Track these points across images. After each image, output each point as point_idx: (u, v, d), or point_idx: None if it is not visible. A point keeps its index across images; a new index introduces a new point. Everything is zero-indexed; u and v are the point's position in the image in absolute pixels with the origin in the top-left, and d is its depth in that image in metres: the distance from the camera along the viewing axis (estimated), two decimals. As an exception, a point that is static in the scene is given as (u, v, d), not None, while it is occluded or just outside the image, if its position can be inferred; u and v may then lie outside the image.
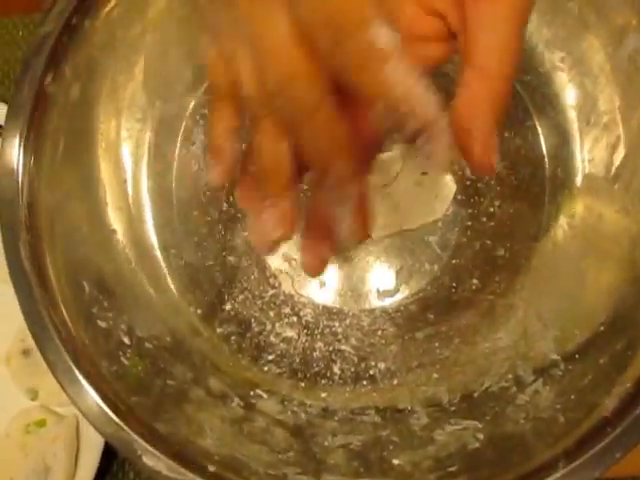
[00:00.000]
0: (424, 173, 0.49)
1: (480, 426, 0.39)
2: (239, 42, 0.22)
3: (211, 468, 0.35)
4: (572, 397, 0.38)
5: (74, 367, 0.36)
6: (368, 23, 0.19)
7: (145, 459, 0.34)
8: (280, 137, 0.24)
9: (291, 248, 0.49)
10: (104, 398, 0.36)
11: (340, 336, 0.47)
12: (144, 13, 0.46)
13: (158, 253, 0.48)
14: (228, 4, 0.22)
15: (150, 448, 0.34)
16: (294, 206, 0.26)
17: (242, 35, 0.22)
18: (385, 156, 0.49)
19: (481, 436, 0.39)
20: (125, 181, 0.47)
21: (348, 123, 0.22)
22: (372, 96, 0.21)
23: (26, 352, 0.51)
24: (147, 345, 0.42)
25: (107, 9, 0.43)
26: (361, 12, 0.19)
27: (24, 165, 0.39)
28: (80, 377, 0.36)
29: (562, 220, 0.47)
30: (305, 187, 0.37)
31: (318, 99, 0.21)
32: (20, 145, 0.40)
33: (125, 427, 0.35)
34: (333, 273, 0.49)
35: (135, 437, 0.34)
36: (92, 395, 0.36)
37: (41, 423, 0.49)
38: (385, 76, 0.20)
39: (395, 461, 0.39)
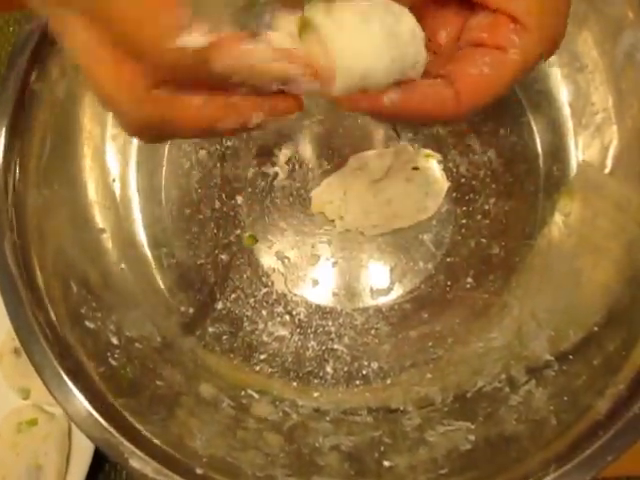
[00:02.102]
0: (415, 168, 0.48)
1: (472, 427, 0.39)
2: None
3: (199, 470, 0.35)
4: (565, 398, 0.37)
5: (61, 369, 0.36)
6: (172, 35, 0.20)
7: (132, 462, 0.34)
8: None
9: (284, 247, 0.49)
10: (91, 400, 0.35)
11: (333, 335, 0.47)
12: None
13: (148, 252, 0.47)
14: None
15: (137, 451, 0.34)
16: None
17: None
18: (376, 151, 0.49)
19: (473, 437, 0.38)
20: (113, 180, 0.47)
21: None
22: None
23: (17, 351, 0.50)
24: (136, 346, 0.41)
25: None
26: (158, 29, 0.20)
27: (9, 164, 0.39)
28: (67, 379, 0.36)
29: (557, 218, 0.46)
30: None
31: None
32: (5, 143, 0.39)
33: (112, 430, 0.34)
34: (326, 272, 0.48)
35: (122, 440, 0.34)
36: (79, 397, 0.35)
37: (33, 422, 0.48)
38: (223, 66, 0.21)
39: (387, 463, 0.39)
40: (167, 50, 0.20)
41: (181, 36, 0.20)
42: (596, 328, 0.39)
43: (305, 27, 0.25)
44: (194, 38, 0.20)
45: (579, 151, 0.46)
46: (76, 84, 0.43)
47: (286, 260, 0.49)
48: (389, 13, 0.25)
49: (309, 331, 0.47)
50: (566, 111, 0.47)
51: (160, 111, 0.23)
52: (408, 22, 0.26)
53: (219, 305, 0.47)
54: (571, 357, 0.39)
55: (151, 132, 0.25)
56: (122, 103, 0.23)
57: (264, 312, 0.48)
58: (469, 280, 0.47)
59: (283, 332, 0.47)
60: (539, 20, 0.26)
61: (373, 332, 0.47)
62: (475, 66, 0.26)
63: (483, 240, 0.48)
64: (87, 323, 0.39)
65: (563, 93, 0.47)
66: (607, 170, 0.43)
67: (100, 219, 0.45)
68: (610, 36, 0.42)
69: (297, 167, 0.50)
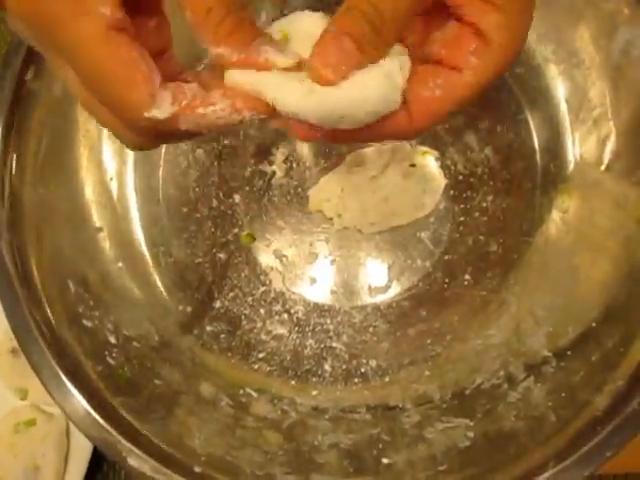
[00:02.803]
0: (412, 165, 0.48)
1: (471, 424, 0.39)
2: None
3: (197, 469, 0.35)
4: (563, 395, 0.37)
5: (58, 368, 0.36)
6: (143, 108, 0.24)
7: (130, 460, 0.34)
8: None
9: (282, 245, 0.49)
10: (89, 399, 0.35)
11: (331, 333, 0.47)
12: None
13: (145, 251, 0.47)
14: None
15: (135, 449, 0.34)
16: None
17: None
18: (373, 148, 0.49)
19: (472, 434, 0.38)
20: (110, 179, 0.46)
21: None
22: None
23: (15, 351, 0.50)
24: (134, 344, 0.41)
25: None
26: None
27: (6, 163, 0.39)
28: (65, 378, 0.35)
29: (555, 215, 0.46)
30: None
31: None
32: (2, 143, 0.39)
33: (110, 428, 0.34)
34: (324, 270, 0.48)
35: (120, 438, 0.34)
36: (77, 397, 0.35)
37: (31, 422, 0.48)
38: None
39: (385, 460, 0.39)
40: (140, 119, 0.24)
41: (148, 110, 0.23)
42: (594, 324, 0.39)
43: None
44: (160, 111, 0.24)
45: (576, 148, 0.46)
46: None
47: (284, 258, 0.49)
48: (389, 65, 0.26)
49: (307, 329, 0.47)
50: (563, 108, 0.47)
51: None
52: (401, 65, 0.27)
53: (217, 304, 0.47)
54: (569, 353, 0.39)
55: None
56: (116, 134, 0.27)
57: (262, 310, 0.48)
58: (467, 277, 0.47)
59: (281, 330, 0.47)
60: (507, 36, 0.26)
61: (371, 330, 0.47)
62: (428, 88, 0.27)
63: (481, 237, 0.48)
64: (85, 322, 0.39)
65: (560, 90, 0.47)
66: (604, 166, 0.43)
67: (97, 218, 0.45)
68: (606, 32, 0.42)
69: (294, 165, 0.50)
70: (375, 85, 0.26)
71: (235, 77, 0.27)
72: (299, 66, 0.26)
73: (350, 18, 0.26)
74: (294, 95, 0.26)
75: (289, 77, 0.26)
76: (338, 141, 0.29)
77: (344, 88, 0.26)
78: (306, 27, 0.27)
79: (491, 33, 0.26)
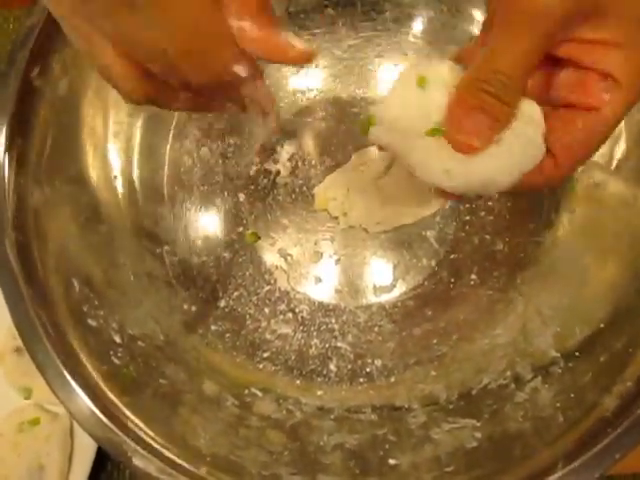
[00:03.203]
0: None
1: (478, 425, 0.39)
2: None
3: (202, 469, 0.35)
4: (572, 396, 0.37)
5: (63, 368, 0.35)
6: None
7: (135, 460, 0.34)
8: None
9: (287, 244, 0.49)
10: (94, 399, 0.35)
11: (336, 333, 0.47)
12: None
13: (151, 250, 0.47)
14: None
15: (140, 449, 0.34)
16: None
17: None
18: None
19: (479, 435, 0.38)
20: (115, 177, 0.46)
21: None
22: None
23: (19, 350, 0.50)
24: (139, 344, 0.41)
25: None
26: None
27: (11, 161, 0.39)
28: (69, 378, 0.35)
29: (562, 215, 0.46)
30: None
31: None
32: (6, 140, 0.39)
33: (115, 428, 0.34)
34: (329, 269, 0.48)
35: (125, 438, 0.34)
36: (82, 396, 0.35)
37: (35, 422, 0.48)
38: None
39: (392, 461, 0.38)
40: (222, 71, 0.28)
41: (236, 65, 0.28)
42: (602, 325, 0.39)
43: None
44: (242, 70, 0.28)
45: (585, 146, 0.46)
46: (78, 80, 0.42)
47: (289, 257, 0.49)
48: (523, 122, 0.28)
49: (312, 329, 0.47)
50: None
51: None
52: (537, 122, 0.28)
53: (222, 303, 0.47)
54: (577, 354, 0.39)
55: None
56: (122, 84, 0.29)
57: (267, 310, 0.47)
58: (473, 277, 0.47)
59: (286, 330, 0.47)
60: (630, 70, 0.27)
61: (376, 329, 0.47)
62: (569, 133, 0.28)
63: (487, 236, 0.47)
64: (90, 321, 0.39)
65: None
66: (613, 166, 0.43)
67: (102, 216, 0.44)
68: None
69: (299, 164, 0.50)
70: (518, 147, 0.28)
71: (380, 134, 0.29)
72: None
73: (474, 90, 0.27)
74: (436, 168, 0.28)
75: (432, 147, 0.28)
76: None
77: (486, 159, 0.28)
78: (443, 75, 0.29)
79: (616, 72, 0.27)
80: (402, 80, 0.30)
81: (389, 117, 0.30)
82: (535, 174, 0.29)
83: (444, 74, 0.29)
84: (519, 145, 0.28)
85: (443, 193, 0.31)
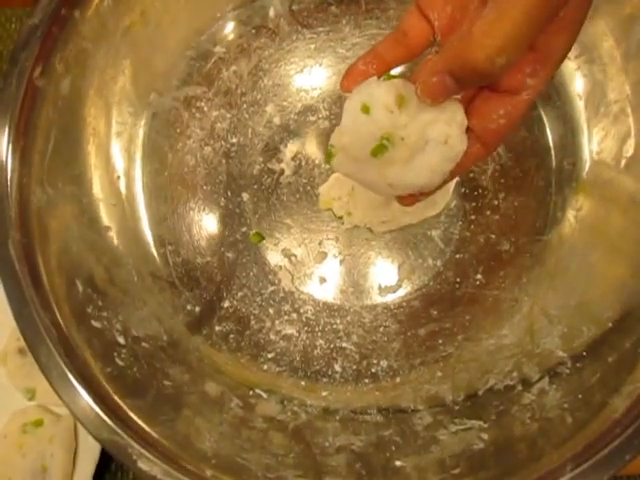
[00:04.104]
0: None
1: (485, 426, 0.39)
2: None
3: (208, 472, 0.34)
4: (580, 396, 0.37)
5: (67, 370, 0.35)
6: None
7: (140, 463, 0.33)
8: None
9: (291, 244, 0.49)
10: (98, 401, 0.35)
11: (341, 333, 0.46)
12: (136, 3, 0.45)
13: (154, 250, 0.47)
14: None
15: (145, 452, 0.34)
16: None
17: None
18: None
19: (486, 436, 0.38)
20: (118, 177, 0.46)
21: None
22: None
23: (23, 351, 0.50)
24: (143, 345, 0.41)
25: (98, -1, 0.42)
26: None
27: (13, 161, 0.39)
28: (73, 380, 0.35)
29: (569, 213, 0.45)
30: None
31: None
32: (9, 141, 0.39)
33: (119, 431, 0.34)
34: (334, 269, 0.48)
35: (130, 441, 0.34)
36: (85, 398, 0.35)
37: (38, 423, 0.48)
38: None
39: (397, 463, 0.38)
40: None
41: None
42: (610, 325, 0.39)
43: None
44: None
45: (592, 144, 0.45)
46: (80, 80, 0.42)
47: (293, 257, 0.48)
48: (443, 123, 0.32)
49: (317, 329, 0.47)
50: (578, 104, 0.46)
51: None
52: (459, 123, 0.32)
53: (225, 303, 0.47)
54: (585, 354, 0.39)
55: None
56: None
57: (271, 310, 0.47)
58: (479, 277, 0.46)
59: (290, 330, 0.47)
60: (567, 52, 0.30)
61: (382, 330, 0.46)
62: (492, 121, 0.32)
63: (492, 236, 0.47)
64: (93, 322, 0.39)
65: (575, 85, 0.46)
66: (622, 164, 0.43)
67: (105, 217, 0.44)
68: (624, 27, 0.42)
69: (303, 163, 0.50)
70: (443, 149, 0.32)
71: (340, 163, 0.34)
72: None
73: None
74: (382, 184, 0.34)
75: (377, 167, 0.33)
76: (435, 191, 0.36)
77: (418, 167, 0.33)
78: (382, 98, 0.32)
79: (554, 53, 0.30)
80: (349, 109, 0.33)
81: (343, 144, 0.34)
82: (464, 160, 0.33)
83: (383, 97, 0.32)
84: (444, 147, 0.32)
85: (400, 199, 0.37)
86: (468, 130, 0.33)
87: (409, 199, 0.37)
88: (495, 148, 0.34)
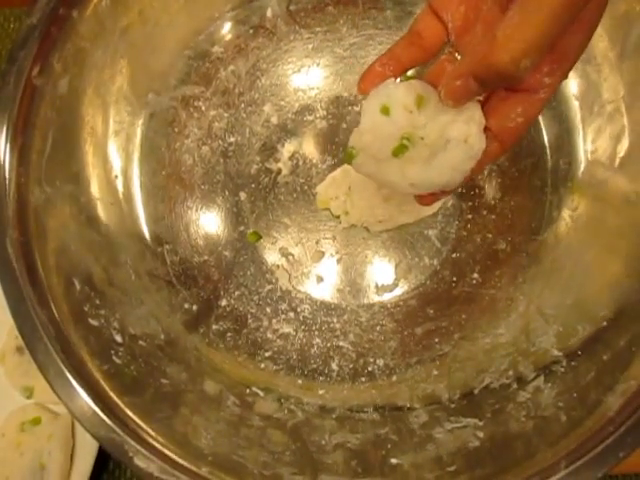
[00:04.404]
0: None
1: (480, 424, 0.39)
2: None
3: (204, 469, 0.35)
4: (574, 395, 0.37)
5: (64, 367, 0.35)
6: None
7: (136, 461, 0.33)
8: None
9: (288, 243, 0.49)
10: (95, 399, 0.35)
11: (338, 332, 0.47)
12: (134, 3, 0.45)
13: (152, 249, 0.47)
14: None
15: (142, 449, 0.34)
16: None
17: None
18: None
19: (481, 434, 0.38)
20: (116, 176, 0.46)
21: None
22: None
23: (20, 349, 0.50)
24: (140, 343, 0.41)
25: (96, -1, 0.42)
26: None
27: (11, 160, 0.39)
28: (70, 377, 0.35)
29: (564, 212, 0.46)
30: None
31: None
32: (7, 140, 0.39)
33: (116, 428, 0.34)
34: (331, 268, 0.48)
35: (126, 438, 0.34)
36: (83, 396, 0.35)
37: (36, 421, 0.48)
38: None
39: (394, 460, 0.38)
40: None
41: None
42: (605, 323, 0.39)
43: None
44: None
45: (587, 145, 0.45)
46: (78, 79, 0.42)
47: (290, 257, 0.48)
48: (462, 122, 0.32)
49: (314, 328, 0.47)
50: (574, 104, 0.46)
51: None
52: (477, 122, 0.32)
53: (223, 302, 0.47)
54: (580, 353, 0.39)
55: None
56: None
57: (268, 309, 0.47)
58: (475, 276, 0.47)
59: (288, 329, 0.47)
60: (582, 51, 0.31)
61: (378, 329, 0.46)
62: (510, 120, 0.32)
63: (489, 235, 0.47)
64: (90, 321, 0.39)
65: (570, 86, 0.46)
66: (616, 163, 0.43)
67: (103, 216, 0.44)
68: (619, 28, 0.42)
69: (301, 163, 0.50)
70: (464, 148, 0.32)
71: (361, 163, 0.35)
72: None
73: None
74: (404, 184, 0.34)
75: (399, 167, 0.34)
76: (455, 190, 0.37)
77: (439, 167, 0.33)
78: (401, 98, 0.32)
79: (571, 53, 0.30)
80: (368, 110, 0.34)
81: (363, 145, 0.34)
82: (482, 158, 0.34)
83: (402, 98, 0.33)
84: (464, 146, 0.33)
85: (420, 198, 0.38)
86: (485, 129, 0.33)
87: (429, 198, 0.37)
88: (512, 146, 0.34)
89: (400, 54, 0.34)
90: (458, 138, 0.32)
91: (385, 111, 0.33)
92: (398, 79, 0.34)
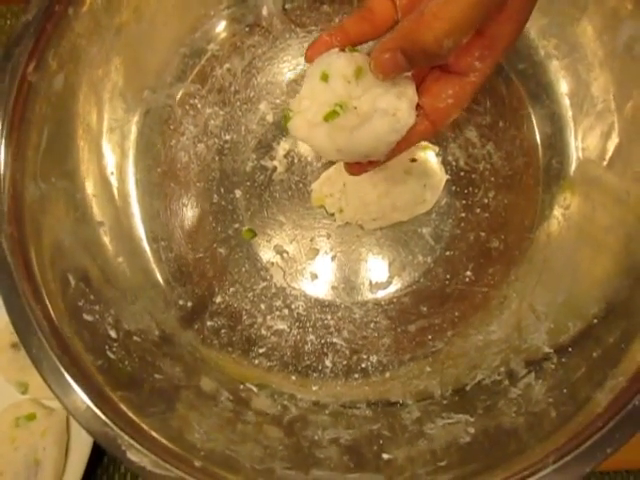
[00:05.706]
0: (413, 160, 0.48)
1: (472, 420, 0.39)
2: None
3: (197, 463, 0.35)
4: (564, 391, 0.37)
5: (58, 362, 0.35)
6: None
7: (129, 454, 0.34)
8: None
9: (283, 240, 0.49)
10: (90, 394, 0.35)
11: (332, 329, 0.47)
12: (130, 0, 0.45)
13: (147, 245, 0.47)
14: None
15: (135, 444, 0.34)
16: None
17: None
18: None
19: (472, 430, 0.38)
20: (111, 173, 0.46)
21: None
22: None
23: (15, 345, 0.50)
24: (135, 339, 0.41)
25: (92, -4, 0.43)
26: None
27: (6, 157, 0.39)
28: (65, 373, 0.35)
29: (557, 211, 0.46)
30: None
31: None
32: (2, 136, 0.39)
33: (110, 423, 0.34)
34: (325, 265, 0.48)
35: (120, 433, 0.34)
36: (77, 391, 0.35)
37: (31, 417, 0.48)
38: None
39: (386, 455, 0.39)
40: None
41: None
42: (595, 321, 0.39)
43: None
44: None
45: (578, 143, 0.46)
46: (74, 76, 0.43)
47: (285, 254, 0.49)
48: (394, 96, 0.33)
49: (308, 325, 0.47)
50: (565, 103, 0.46)
51: None
52: (409, 98, 0.33)
53: (218, 299, 0.47)
54: (570, 350, 0.39)
55: None
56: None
57: (263, 306, 0.48)
58: (468, 274, 0.47)
59: (282, 326, 0.47)
60: (513, 39, 0.31)
61: (372, 326, 0.47)
62: (441, 100, 0.33)
63: (482, 233, 0.48)
64: (85, 316, 0.39)
65: (562, 85, 0.46)
66: (606, 162, 0.43)
67: (98, 212, 0.45)
68: (609, 27, 0.42)
69: (296, 161, 0.50)
70: (391, 120, 0.33)
71: (295, 126, 0.35)
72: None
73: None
74: (331, 149, 0.35)
75: (328, 132, 0.34)
76: (380, 164, 0.37)
77: (365, 135, 0.34)
78: (341, 68, 0.33)
79: (501, 40, 0.31)
80: (309, 76, 0.35)
81: (300, 109, 0.35)
82: (411, 135, 0.34)
83: (342, 67, 0.33)
84: (391, 118, 0.33)
85: (349, 167, 0.38)
86: (418, 107, 0.34)
87: (357, 167, 0.38)
88: (442, 127, 0.35)
89: (349, 27, 0.35)
90: (387, 110, 0.33)
91: (324, 78, 0.33)
92: (344, 50, 0.34)
